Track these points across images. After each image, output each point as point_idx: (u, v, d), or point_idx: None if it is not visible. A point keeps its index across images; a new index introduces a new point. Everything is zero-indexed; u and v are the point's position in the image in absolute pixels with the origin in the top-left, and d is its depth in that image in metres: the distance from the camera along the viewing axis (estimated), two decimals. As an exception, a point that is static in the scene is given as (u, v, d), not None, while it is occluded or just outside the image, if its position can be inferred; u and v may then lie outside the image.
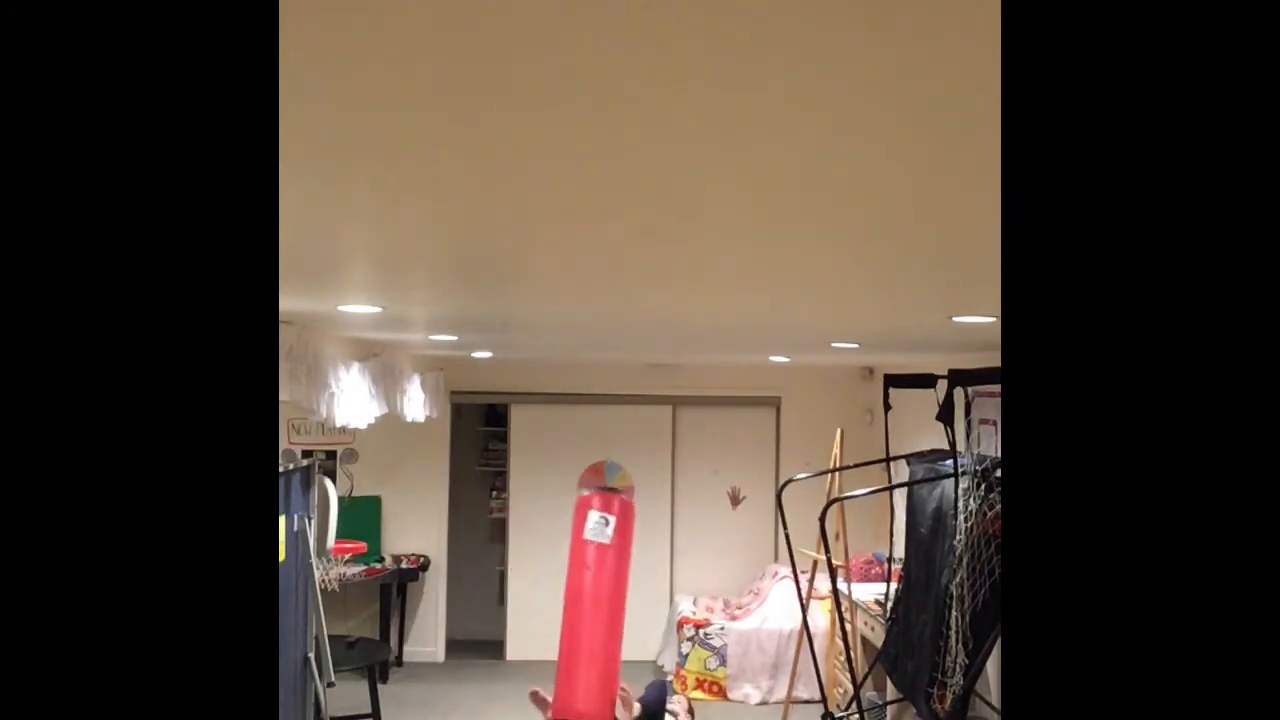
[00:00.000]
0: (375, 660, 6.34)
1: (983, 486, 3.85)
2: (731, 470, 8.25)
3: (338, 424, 4.39)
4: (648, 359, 7.11)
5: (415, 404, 6.00)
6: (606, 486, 5.26)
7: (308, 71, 0.87)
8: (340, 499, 4.91)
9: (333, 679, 4.58)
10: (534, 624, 7.79)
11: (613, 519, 5.03)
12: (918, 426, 5.13)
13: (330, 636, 4.84)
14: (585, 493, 5.19)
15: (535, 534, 7.97)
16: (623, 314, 3.31)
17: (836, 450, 6.11)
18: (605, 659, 4.97)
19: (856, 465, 5.37)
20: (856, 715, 4.49)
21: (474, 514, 8.72)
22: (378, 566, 7.44)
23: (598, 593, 5.02)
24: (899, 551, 4.75)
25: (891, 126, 1.01)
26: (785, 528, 4.97)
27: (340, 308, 3.18)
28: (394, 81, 0.90)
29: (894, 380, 4.57)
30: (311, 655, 4.56)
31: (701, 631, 7.16)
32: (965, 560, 3.84)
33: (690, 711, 5.15)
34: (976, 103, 0.91)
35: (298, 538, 4.36)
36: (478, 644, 8.32)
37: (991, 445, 4.87)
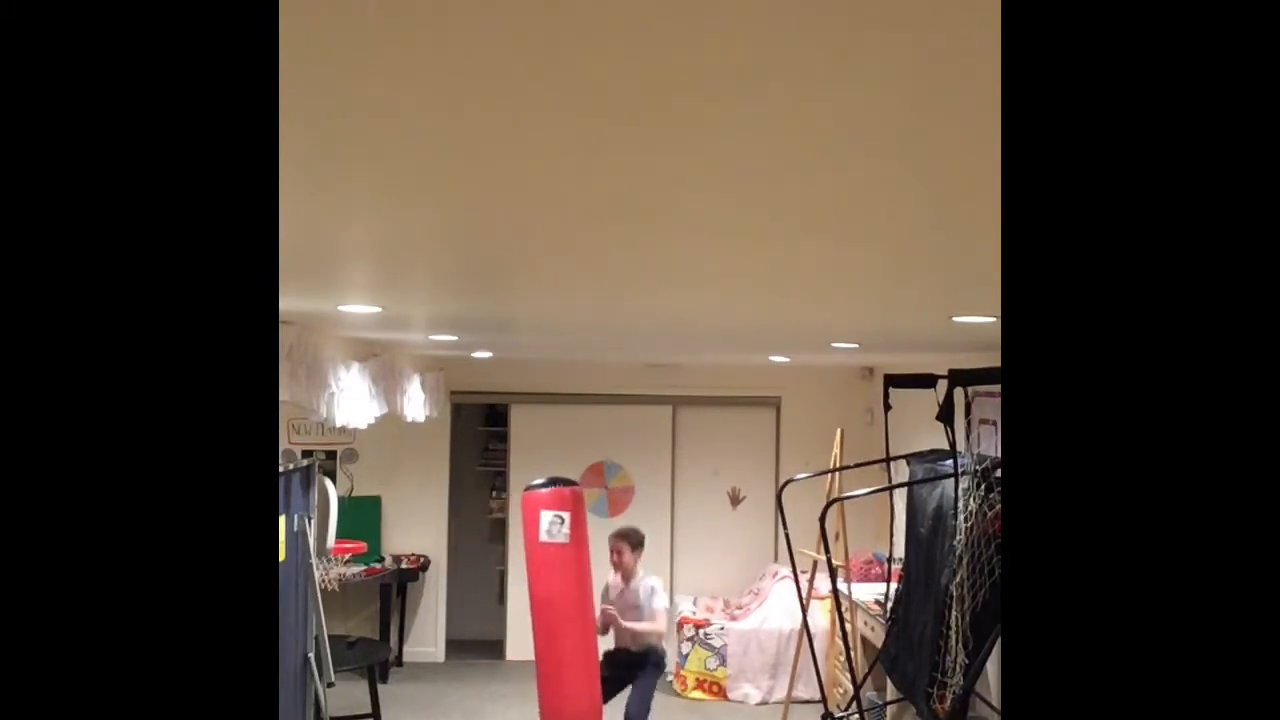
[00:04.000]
0: (375, 660, 6.33)
1: (983, 486, 3.85)
2: (731, 470, 8.24)
3: (338, 424, 4.38)
4: (648, 359, 7.11)
5: (415, 404, 6.00)
6: (555, 479, 5.13)
7: (308, 71, 0.87)
8: (340, 499, 4.91)
9: (333, 679, 4.57)
10: (534, 624, 7.78)
11: (567, 515, 4.88)
12: (918, 426, 5.13)
13: (330, 636, 4.83)
14: (532, 488, 5.00)
15: (535, 534, 7.95)
16: (623, 314, 3.31)
17: (836, 450, 6.10)
18: (585, 658, 4.93)
19: (856, 465, 5.36)
20: (856, 715, 4.49)
21: (474, 514, 8.71)
22: (378, 566, 7.44)
23: (566, 595, 4.94)
24: (899, 551, 4.75)
25: (892, 127, 1.01)
26: (785, 528, 4.97)
27: (340, 308, 3.18)
28: (395, 82, 0.90)
29: (894, 380, 4.56)
30: (311, 655, 4.56)
31: (701, 631, 7.16)
32: (965, 560, 3.84)
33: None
34: (977, 102, 0.91)
35: (298, 538, 4.35)
36: (478, 644, 8.31)
37: (991, 445, 4.87)
